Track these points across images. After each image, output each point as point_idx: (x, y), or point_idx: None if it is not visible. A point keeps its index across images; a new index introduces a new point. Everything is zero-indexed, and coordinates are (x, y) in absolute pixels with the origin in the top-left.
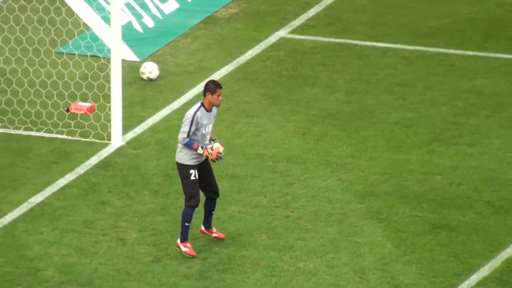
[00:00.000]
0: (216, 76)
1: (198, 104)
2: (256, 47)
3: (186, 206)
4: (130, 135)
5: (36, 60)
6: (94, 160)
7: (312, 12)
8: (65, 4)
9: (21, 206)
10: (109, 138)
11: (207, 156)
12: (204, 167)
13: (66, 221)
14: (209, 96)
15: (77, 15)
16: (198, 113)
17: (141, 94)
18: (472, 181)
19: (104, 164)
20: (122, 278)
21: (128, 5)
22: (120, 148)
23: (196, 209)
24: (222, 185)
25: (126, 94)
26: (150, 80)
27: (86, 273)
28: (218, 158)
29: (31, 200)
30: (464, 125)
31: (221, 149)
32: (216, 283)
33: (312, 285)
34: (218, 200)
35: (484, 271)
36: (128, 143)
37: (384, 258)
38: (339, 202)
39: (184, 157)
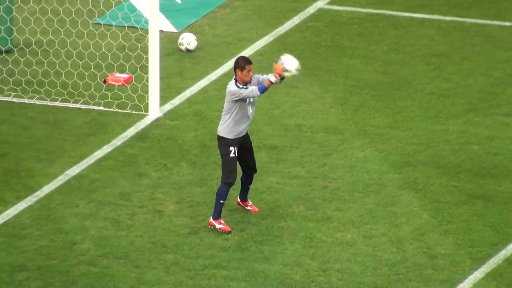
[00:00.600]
0: (255, 47)
1: (233, 81)
2: (295, 18)
3: (223, 183)
4: (168, 106)
5: (74, 31)
6: (131, 131)
7: None
8: None
9: (57, 178)
10: (146, 110)
11: (280, 75)
12: (244, 144)
13: (103, 193)
14: (239, 72)
15: None
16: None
17: (179, 65)
18: (508, 151)
19: (141, 136)
20: (159, 251)
21: None
22: (157, 120)
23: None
24: (261, 156)
25: (164, 65)
26: (188, 51)
27: (123, 245)
28: (285, 73)
29: (67, 172)
30: (501, 95)
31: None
32: (253, 255)
33: (349, 256)
34: (258, 170)
35: None
36: (165, 114)
37: (420, 229)
38: (376, 172)
39: (225, 130)
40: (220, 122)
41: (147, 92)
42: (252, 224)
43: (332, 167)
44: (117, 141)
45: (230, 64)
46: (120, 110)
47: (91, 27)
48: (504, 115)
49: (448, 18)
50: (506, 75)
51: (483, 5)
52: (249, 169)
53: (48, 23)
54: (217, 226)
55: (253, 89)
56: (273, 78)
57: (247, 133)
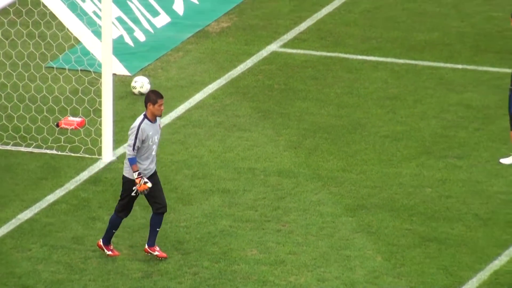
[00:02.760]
0: (208, 90)
1: (142, 116)
2: (248, 61)
3: (116, 214)
4: (121, 150)
5: (26, 74)
6: (84, 175)
7: (303, 26)
8: (55, 18)
9: (9, 222)
10: (99, 153)
11: (137, 184)
12: (150, 180)
13: (55, 237)
14: (150, 106)
15: (67, 29)
16: (143, 125)
17: (132, 109)
18: (461, 194)
19: (94, 180)
20: None
21: (119, 19)
22: (111, 163)
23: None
24: (213, 200)
25: (117, 109)
26: (141, 94)
27: None
28: (143, 193)
29: (19, 216)
30: (453, 138)
31: (149, 185)
32: None
33: None
34: (209, 214)
35: (472, 284)
36: (119, 158)
37: (374, 272)
38: (330, 215)
39: (130, 171)
40: (125, 164)
41: (100, 135)
42: (205, 268)
43: (286, 210)
44: (70, 185)
45: (183, 107)
46: (73, 154)
47: (44, 71)
48: (457, 158)
49: (401, 61)
50: (458, 118)
51: (435, 48)
52: (158, 207)
53: (0, 67)
54: (107, 252)
55: (130, 153)
56: (135, 175)
57: (155, 172)
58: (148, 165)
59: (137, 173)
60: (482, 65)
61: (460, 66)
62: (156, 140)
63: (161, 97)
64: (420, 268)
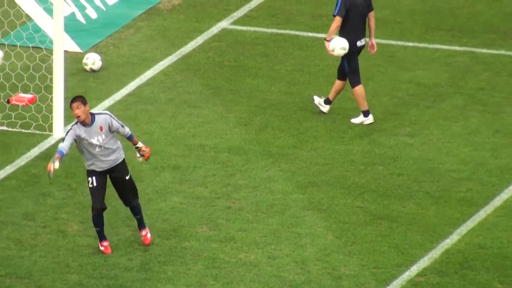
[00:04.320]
0: (159, 67)
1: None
2: (199, 38)
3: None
4: None
5: None
6: (35, 151)
7: (254, 3)
8: None
9: None
10: (50, 130)
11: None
12: (114, 176)
13: (5, 213)
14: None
15: (19, 6)
16: (74, 127)
17: (84, 85)
18: (412, 172)
19: (45, 156)
20: (62, 271)
21: None
22: (61, 139)
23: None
24: (164, 176)
25: (69, 85)
26: (93, 71)
27: (26, 266)
28: (49, 174)
29: None
30: (405, 115)
31: (52, 168)
32: (157, 275)
33: (253, 277)
34: (160, 190)
35: (424, 262)
36: None
37: (325, 249)
38: (280, 193)
39: (85, 163)
40: None
41: (51, 112)
42: (155, 245)
43: (236, 187)
44: (21, 161)
45: (134, 84)
46: (24, 130)
47: None
48: (408, 136)
49: None
50: (409, 96)
51: (386, 26)
52: (124, 201)
53: None
54: (100, 248)
55: (59, 146)
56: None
57: (117, 165)
58: (93, 163)
59: (54, 159)
60: (433, 43)
61: (411, 44)
62: (96, 142)
63: (72, 101)
64: (372, 246)
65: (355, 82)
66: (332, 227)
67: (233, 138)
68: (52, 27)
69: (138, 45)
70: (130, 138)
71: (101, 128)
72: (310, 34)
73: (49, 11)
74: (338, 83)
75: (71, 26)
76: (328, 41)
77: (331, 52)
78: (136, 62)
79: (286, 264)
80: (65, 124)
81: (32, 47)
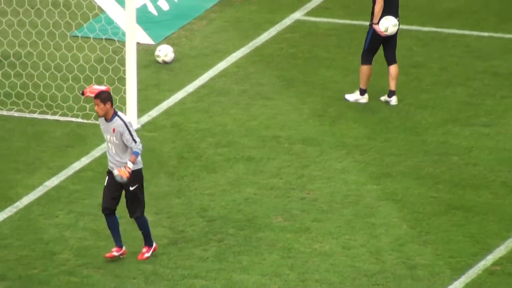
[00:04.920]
0: (232, 58)
1: None
2: (272, 29)
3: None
4: (145, 118)
5: (51, 43)
6: None
7: None
8: None
9: (36, 189)
10: None
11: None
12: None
13: (82, 204)
14: None
15: None
16: (100, 119)
17: (156, 77)
18: (488, 162)
19: None
20: (138, 261)
21: None
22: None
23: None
24: (238, 168)
25: (141, 77)
26: (165, 63)
27: (102, 256)
28: (117, 178)
29: (46, 183)
30: (480, 105)
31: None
32: (232, 265)
33: (328, 266)
34: (234, 181)
35: (500, 251)
36: (143, 126)
37: (399, 239)
38: (354, 183)
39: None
40: None
41: (124, 104)
42: (230, 235)
43: (310, 178)
44: (96, 153)
45: (207, 75)
46: (98, 122)
47: (68, 39)
48: (483, 126)
49: (426, 29)
50: (485, 86)
51: (461, 16)
52: (128, 210)
53: (26, 36)
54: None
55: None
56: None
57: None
58: (109, 160)
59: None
60: (509, 33)
61: (486, 34)
62: (110, 140)
63: (94, 98)
64: (447, 236)
65: (366, 61)
66: (407, 217)
67: (307, 129)
68: (125, 19)
69: (210, 36)
70: (133, 153)
71: (113, 130)
72: None
73: (121, 3)
74: (361, 69)
75: (143, 18)
76: (376, 24)
77: (385, 33)
78: (209, 53)
79: (361, 254)
80: (138, 117)
81: (105, 39)
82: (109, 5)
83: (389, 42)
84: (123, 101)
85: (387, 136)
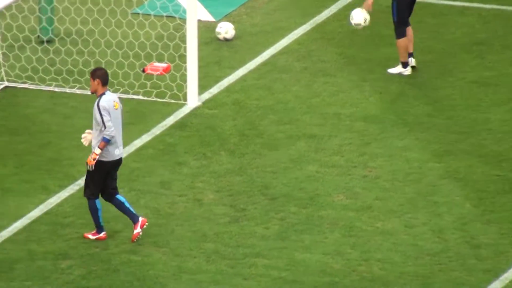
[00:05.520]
0: (293, 36)
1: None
2: (333, 6)
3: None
4: (206, 95)
5: (113, 21)
6: (170, 120)
7: None
8: None
9: None
10: (185, 99)
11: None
12: None
13: (143, 182)
14: None
15: None
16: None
17: (217, 54)
18: None
19: (180, 125)
20: (199, 239)
21: None
22: (196, 108)
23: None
24: (300, 145)
25: (202, 55)
26: (226, 40)
27: (163, 234)
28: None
29: None
30: None
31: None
32: (294, 244)
33: (390, 245)
34: (296, 159)
35: None
36: (204, 103)
37: (463, 218)
38: (416, 161)
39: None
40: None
41: (185, 81)
42: (292, 213)
43: (372, 156)
44: (156, 130)
45: (268, 53)
46: (159, 99)
47: (129, 17)
48: None
49: (488, 6)
50: None
51: None
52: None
53: (88, 13)
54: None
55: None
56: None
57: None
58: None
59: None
60: None
61: None
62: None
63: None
64: (511, 214)
65: (401, 33)
66: (470, 195)
67: (369, 107)
68: None
69: (271, 14)
70: (102, 139)
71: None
72: (445, 2)
73: None
74: (398, 43)
75: None
76: None
77: (363, 25)
78: (270, 31)
79: (423, 233)
80: (199, 94)
81: (166, 16)
82: None
83: (412, 7)
84: (184, 78)
85: (449, 113)
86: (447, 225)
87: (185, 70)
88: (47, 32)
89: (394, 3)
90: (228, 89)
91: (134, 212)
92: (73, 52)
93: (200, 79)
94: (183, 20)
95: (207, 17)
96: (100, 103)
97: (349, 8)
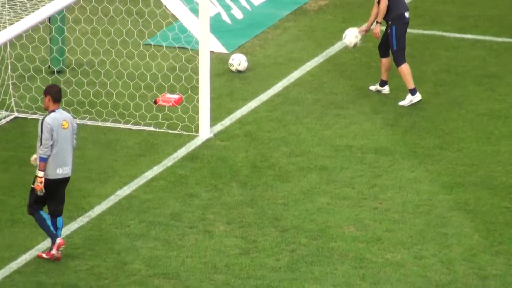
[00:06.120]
0: (306, 67)
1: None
2: None
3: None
4: (218, 127)
5: (124, 51)
6: (181, 152)
7: None
8: None
9: (108, 198)
10: (197, 130)
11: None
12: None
13: (153, 213)
14: None
15: (165, 6)
16: None
17: (230, 86)
18: None
19: (191, 156)
20: (209, 271)
21: None
22: (208, 140)
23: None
24: (311, 177)
25: (215, 86)
26: (238, 71)
27: (173, 266)
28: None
29: (118, 192)
30: None
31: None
32: (304, 275)
33: (399, 276)
34: (307, 191)
35: None
36: (216, 135)
37: (472, 249)
38: (426, 193)
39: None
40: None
41: (197, 112)
42: (302, 245)
43: (382, 188)
44: (168, 162)
45: (281, 84)
46: (170, 131)
47: (141, 48)
48: None
49: (500, 39)
50: None
51: None
52: None
53: (99, 44)
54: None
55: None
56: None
57: None
58: None
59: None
60: None
61: None
62: None
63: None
64: None
65: (402, 60)
66: (479, 227)
67: (380, 139)
68: (198, 28)
69: (284, 45)
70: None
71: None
72: (457, 35)
73: (195, 11)
74: (384, 61)
75: (217, 27)
76: (379, 23)
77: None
78: (283, 62)
79: (432, 264)
80: (211, 125)
81: (178, 47)
82: (183, 13)
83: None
84: (196, 109)
85: (460, 146)
86: (456, 256)
87: (197, 101)
88: (58, 63)
89: (393, 32)
90: (240, 120)
91: (54, 232)
92: (84, 83)
93: (212, 110)
94: (196, 51)
95: (220, 48)
96: (45, 120)
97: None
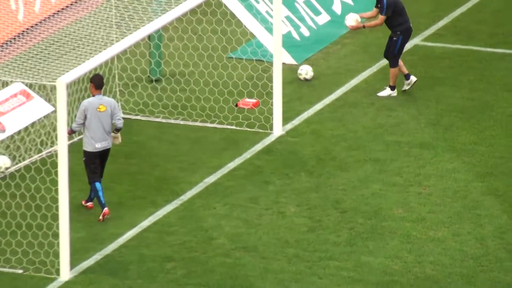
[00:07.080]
0: (362, 76)
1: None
2: None
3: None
4: (289, 126)
5: (210, 64)
6: (258, 146)
7: (441, 23)
8: (234, 17)
9: (197, 185)
10: (271, 128)
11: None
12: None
13: (235, 197)
14: None
15: (244, 26)
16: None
17: (298, 92)
18: None
19: (267, 150)
20: (282, 245)
21: (287, 18)
22: (280, 137)
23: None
24: (366, 167)
25: (286, 92)
26: (306, 80)
27: (252, 241)
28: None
29: (206, 180)
30: None
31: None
32: (361, 249)
33: (440, 250)
34: (363, 179)
35: None
36: (287, 132)
37: (501, 228)
38: (463, 181)
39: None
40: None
41: (271, 114)
42: (359, 224)
43: (426, 176)
44: (247, 154)
45: (341, 91)
46: (249, 129)
47: (225, 60)
48: None
49: None
50: None
51: None
52: None
53: (189, 57)
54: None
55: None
56: None
57: None
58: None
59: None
60: None
61: None
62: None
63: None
64: None
65: (396, 64)
66: (507, 209)
67: (424, 136)
68: (272, 43)
69: (343, 58)
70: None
71: None
72: (489, 49)
73: (269, 30)
74: (393, 71)
75: (288, 42)
76: (364, 28)
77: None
78: (342, 72)
79: (468, 240)
80: (283, 124)
81: (256, 60)
82: (260, 31)
83: None
84: (270, 111)
85: (491, 141)
86: (488, 233)
87: (271, 105)
88: (156, 73)
89: (398, 41)
90: (307, 120)
91: (103, 202)
92: (177, 89)
93: (284, 112)
94: (270, 63)
95: (290, 60)
96: (82, 102)
97: (409, 54)
